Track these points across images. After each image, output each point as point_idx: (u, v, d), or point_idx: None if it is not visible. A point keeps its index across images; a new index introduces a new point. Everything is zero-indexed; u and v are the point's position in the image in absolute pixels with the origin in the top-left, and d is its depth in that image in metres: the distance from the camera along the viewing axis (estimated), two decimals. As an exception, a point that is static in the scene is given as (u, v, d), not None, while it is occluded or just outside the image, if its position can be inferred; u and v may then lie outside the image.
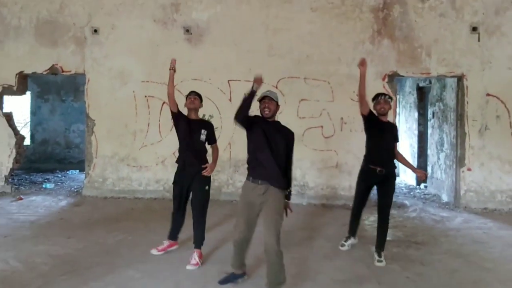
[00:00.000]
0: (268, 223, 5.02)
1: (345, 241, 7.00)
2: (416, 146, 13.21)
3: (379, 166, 6.50)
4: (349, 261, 6.48)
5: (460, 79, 10.14)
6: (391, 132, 6.73)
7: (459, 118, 10.27)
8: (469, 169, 10.06)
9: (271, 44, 10.30)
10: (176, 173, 6.56)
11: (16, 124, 11.47)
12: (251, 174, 5.26)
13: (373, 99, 6.68)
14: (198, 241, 6.34)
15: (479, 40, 10.03)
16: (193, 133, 6.39)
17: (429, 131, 12.47)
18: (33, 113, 16.10)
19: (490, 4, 9.98)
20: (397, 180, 14.02)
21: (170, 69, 6.56)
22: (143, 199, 10.42)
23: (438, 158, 11.59)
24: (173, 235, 6.71)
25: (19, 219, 8.47)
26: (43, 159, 15.87)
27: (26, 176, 13.39)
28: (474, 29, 10.01)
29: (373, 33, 10.20)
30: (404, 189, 12.55)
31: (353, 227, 7.03)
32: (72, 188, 11.66)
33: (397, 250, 6.96)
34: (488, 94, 10.02)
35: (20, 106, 16.12)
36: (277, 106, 5.31)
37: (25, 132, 15.97)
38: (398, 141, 6.82)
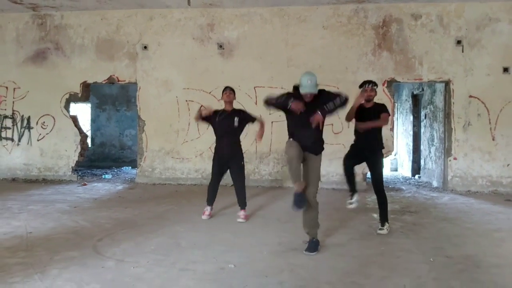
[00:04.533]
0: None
1: (351, 199, 6.36)
2: (411, 144, 13.34)
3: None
4: (357, 222, 6.77)
5: (447, 83, 10.30)
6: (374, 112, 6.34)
7: (447, 116, 10.41)
8: (455, 158, 10.19)
9: (289, 56, 10.57)
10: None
11: (83, 128, 11.90)
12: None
13: (360, 86, 6.35)
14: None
15: (463, 51, 10.20)
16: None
17: (422, 130, 12.65)
18: (93, 120, 16.54)
19: (472, 21, 10.15)
20: (396, 173, 14.36)
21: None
22: (185, 185, 10.72)
23: (430, 152, 11.75)
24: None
25: (85, 197, 8.85)
26: (101, 159, 16.20)
27: (88, 171, 13.80)
28: (459, 42, 10.18)
29: (374, 46, 10.42)
30: (401, 179, 12.68)
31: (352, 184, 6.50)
32: (127, 178, 12.01)
33: (394, 216, 7.14)
34: (470, 96, 10.15)
35: (83, 115, 16.51)
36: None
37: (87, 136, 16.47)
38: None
